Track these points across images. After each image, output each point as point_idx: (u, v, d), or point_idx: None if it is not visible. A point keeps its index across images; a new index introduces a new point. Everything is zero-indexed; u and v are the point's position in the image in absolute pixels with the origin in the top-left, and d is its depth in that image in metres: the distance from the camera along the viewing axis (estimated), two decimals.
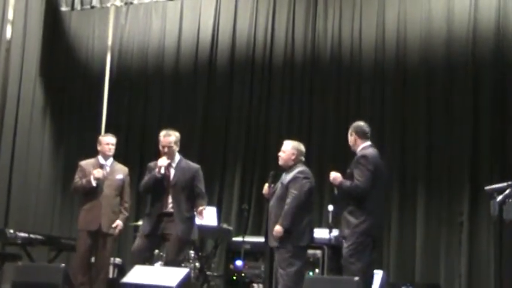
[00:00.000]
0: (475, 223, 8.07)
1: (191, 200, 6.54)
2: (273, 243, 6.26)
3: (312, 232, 6.33)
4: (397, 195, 8.55)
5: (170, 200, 6.48)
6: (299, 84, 9.45)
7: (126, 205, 7.22)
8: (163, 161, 6.48)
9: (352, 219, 5.86)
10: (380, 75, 8.96)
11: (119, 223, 7.05)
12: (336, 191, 6.12)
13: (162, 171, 6.45)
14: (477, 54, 8.42)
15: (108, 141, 7.21)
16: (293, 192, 6.19)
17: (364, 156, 5.95)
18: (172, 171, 6.56)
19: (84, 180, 7.02)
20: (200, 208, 6.47)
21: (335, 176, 6.02)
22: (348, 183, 5.92)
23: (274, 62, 9.63)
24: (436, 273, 8.16)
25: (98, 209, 6.95)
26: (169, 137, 6.58)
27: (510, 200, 4.42)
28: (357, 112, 8.68)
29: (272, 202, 6.35)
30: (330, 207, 6.63)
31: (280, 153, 6.45)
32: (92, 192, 6.98)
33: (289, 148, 6.43)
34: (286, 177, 6.31)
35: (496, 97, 8.29)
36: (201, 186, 6.62)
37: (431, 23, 8.71)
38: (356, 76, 9.11)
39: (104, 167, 7.09)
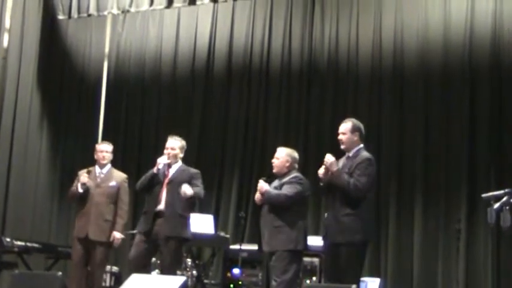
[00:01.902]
0: (473, 230, 8.08)
1: (186, 200, 6.44)
2: (267, 249, 6.20)
3: (306, 237, 6.23)
4: (395, 202, 8.55)
5: (164, 196, 6.44)
6: (296, 91, 9.46)
7: (121, 212, 7.02)
8: (162, 159, 6.54)
9: (350, 223, 5.63)
10: (377, 83, 8.98)
11: (114, 234, 6.90)
12: (321, 183, 5.87)
13: (160, 167, 6.48)
14: (473, 61, 8.46)
15: (102, 149, 7.15)
16: (287, 190, 6.09)
17: (370, 160, 5.78)
18: (171, 172, 6.58)
19: (74, 187, 7.00)
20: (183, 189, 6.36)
21: (332, 161, 5.73)
22: (345, 176, 5.65)
23: (271, 69, 9.63)
24: (434, 280, 8.16)
25: (87, 217, 6.87)
26: (175, 140, 6.69)
27: (507, 208, 4.40)
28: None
29: (265, 208, 6.26)
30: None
31: (274, 160, 6.34)
32: (83, 200, 6.94)
33: (283, 155, 6.34)
34: (280, 183, 6.22)
35: (493, 104, 8.31)
36: (199, 184, 6.55)
37: (427, 31, 8.74)
38: (353, 83, 9.12)
39: (91, 173, 7.01)
